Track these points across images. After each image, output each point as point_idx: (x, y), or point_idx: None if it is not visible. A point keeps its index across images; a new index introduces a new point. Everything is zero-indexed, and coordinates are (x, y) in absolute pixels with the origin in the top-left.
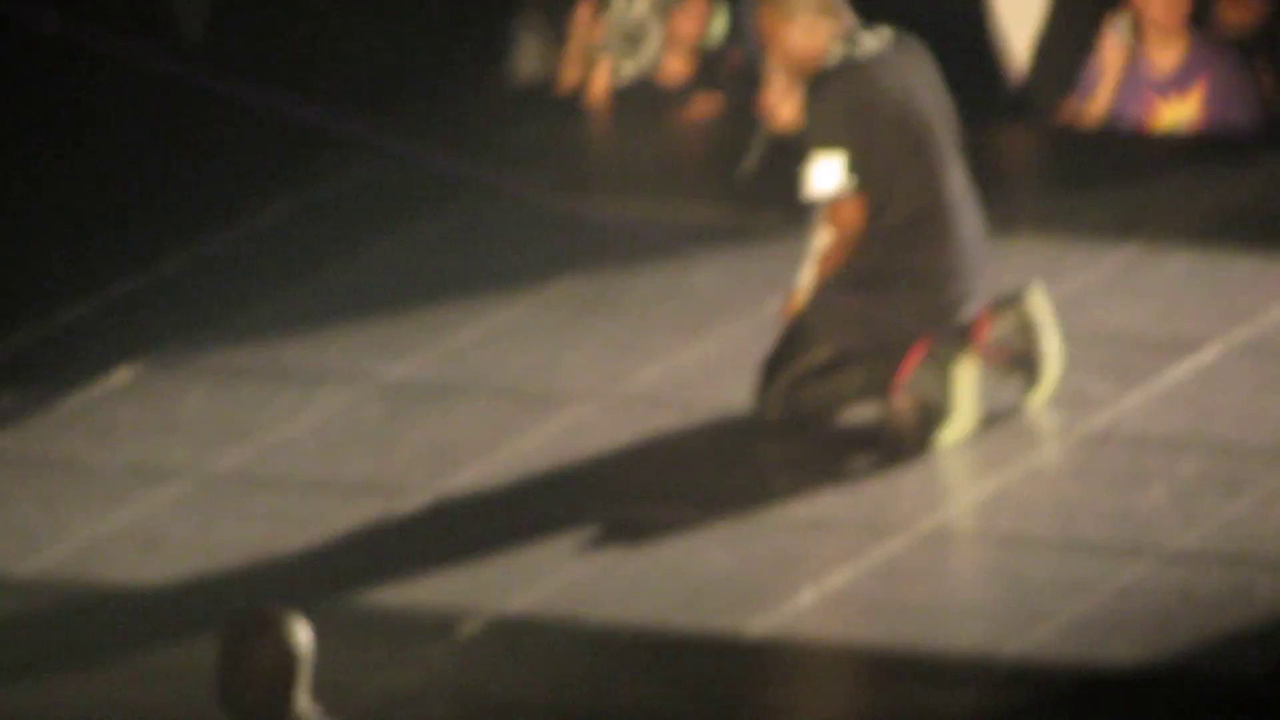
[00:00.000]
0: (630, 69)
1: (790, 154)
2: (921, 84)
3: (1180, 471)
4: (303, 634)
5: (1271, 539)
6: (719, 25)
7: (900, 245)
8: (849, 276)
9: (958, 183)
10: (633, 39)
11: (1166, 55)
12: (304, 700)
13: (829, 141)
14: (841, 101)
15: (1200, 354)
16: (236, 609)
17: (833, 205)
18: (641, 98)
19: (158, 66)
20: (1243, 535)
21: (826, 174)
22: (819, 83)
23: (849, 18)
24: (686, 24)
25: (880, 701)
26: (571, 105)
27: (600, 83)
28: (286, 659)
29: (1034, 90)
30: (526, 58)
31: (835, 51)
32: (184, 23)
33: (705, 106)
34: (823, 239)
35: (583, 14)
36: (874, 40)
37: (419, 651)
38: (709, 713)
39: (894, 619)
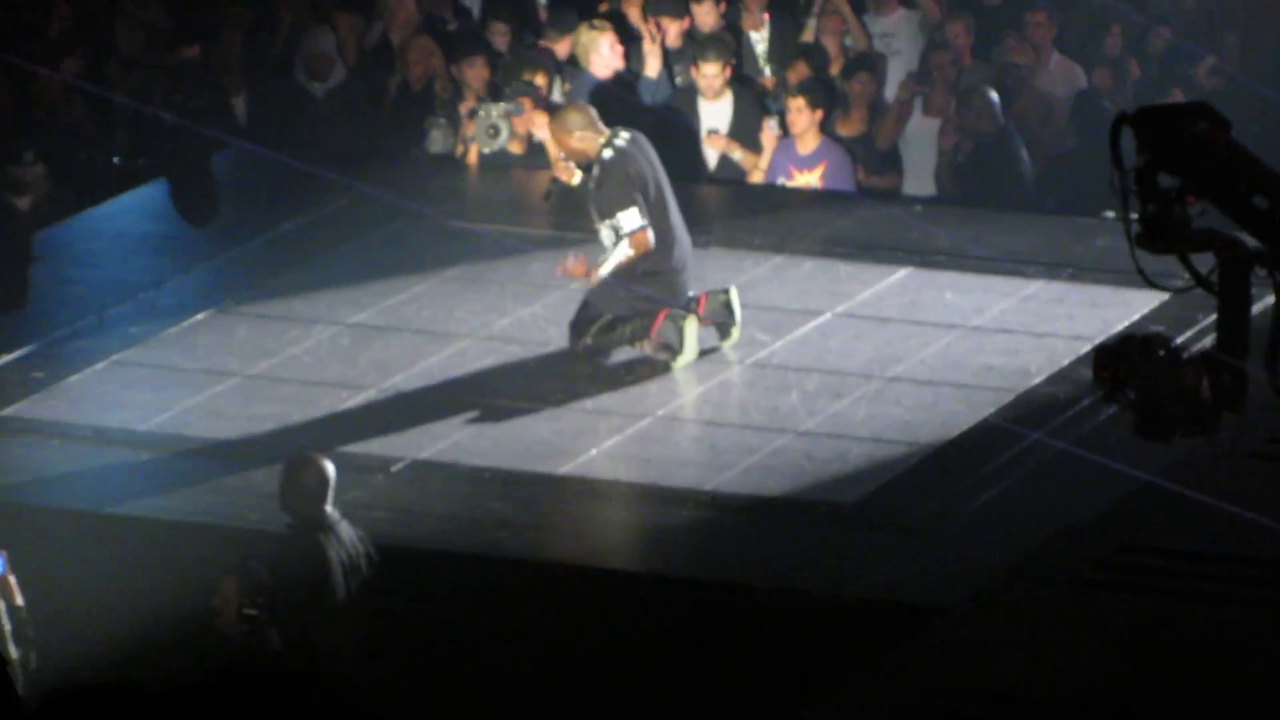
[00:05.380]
0: (490, 148)
1: (570, 194)
2: (653, 160)
3: (806, 385)
4: (330, 466)
5: (859, 424)
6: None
7: (648, 255)
8: (621, 274)
9: (676, 217)
10: (492, 133)
11: (804, 145)
12: (330, 507)
13: (627, 201)
14: (623, 176)
15: (819, 318)
16: (291, 450)
17: (632, 235)
18: (497, 165)
19: (221, 136)
20: (842, 422)
21: (631, 219)
22: (607, 166)
23: (604, 127)
24: (522, 126)
25: (631, 515)
26: (458, 167)
27: (473, 157)
28: (322, 481)
29: (721, 164)
30: (434, 141)
31: (606, 148)
32: (239, 109)
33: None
34: (625, 251)
35: (468, 125)
36: (623, 137)
37: (368, 480)
38: (535, 519)
39: (642, 467)
